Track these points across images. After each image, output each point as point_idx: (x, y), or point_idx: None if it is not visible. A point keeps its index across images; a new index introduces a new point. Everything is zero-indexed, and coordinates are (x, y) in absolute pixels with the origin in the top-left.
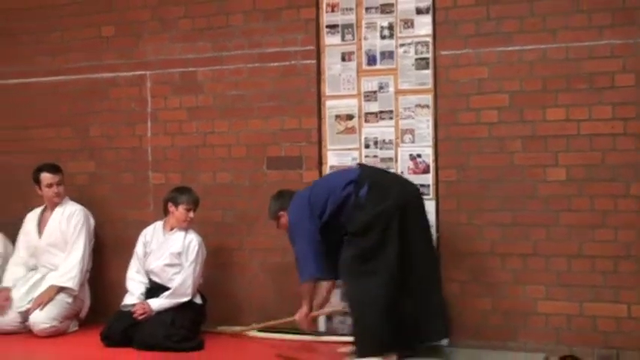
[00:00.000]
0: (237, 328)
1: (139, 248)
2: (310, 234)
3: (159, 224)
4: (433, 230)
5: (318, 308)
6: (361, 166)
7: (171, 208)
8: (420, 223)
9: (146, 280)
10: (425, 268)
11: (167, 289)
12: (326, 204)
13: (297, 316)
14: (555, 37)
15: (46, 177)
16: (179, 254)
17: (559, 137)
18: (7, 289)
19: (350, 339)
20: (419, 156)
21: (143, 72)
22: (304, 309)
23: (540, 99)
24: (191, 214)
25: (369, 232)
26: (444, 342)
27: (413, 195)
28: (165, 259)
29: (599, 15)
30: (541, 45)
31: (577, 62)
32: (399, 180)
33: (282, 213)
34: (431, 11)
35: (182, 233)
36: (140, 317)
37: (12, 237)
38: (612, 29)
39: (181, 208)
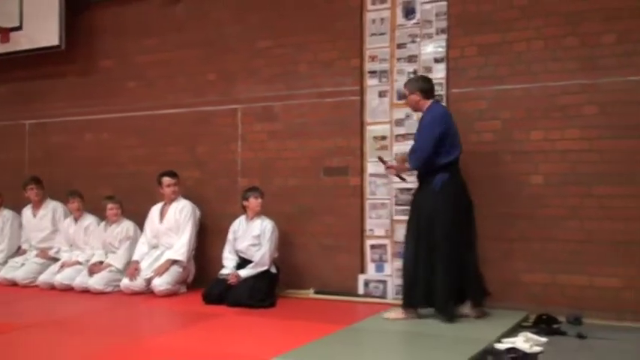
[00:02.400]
0: (300, 292)
1: (230, 235)
2: (435, 138)
3: (243, 217)
4: None
5: None
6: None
7: (245, 203)
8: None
9: (236, 258)
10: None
11: (252, 261)
12: (446, 140)
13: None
14: (537, 78)
15: (166, 180)
16: (258, 236)
17: (539, 152)
18: (137, 262)
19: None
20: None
21: (236, 106)
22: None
23: (525, 124)
24: (260, 201)
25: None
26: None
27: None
28: (249, 240)
29: (571, 62)
30: (526, 84)
31: (553, 97)
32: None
33: (417, 93)
34: (445, 60)
35: (259, 220)
36: (232, 283)
37: (140, 224)
38: (581, 72)
39: (252, 199)
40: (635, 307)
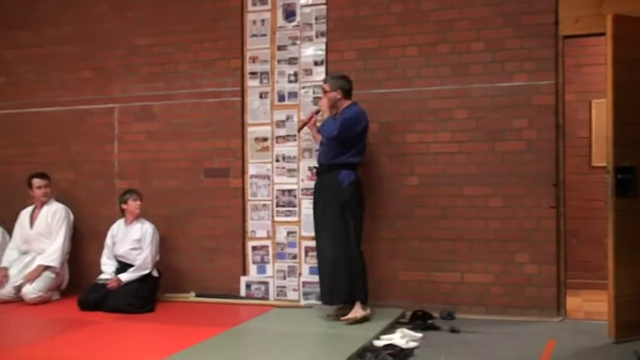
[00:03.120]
0: (180, 295)
1: (108, 240)
2: (345, 134)
3: (121, 221)
4: None
5: None
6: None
7: (124, 206)
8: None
9: (116, 263)
10: None
11: (132, 266)
12: (361, 141)
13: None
14: (412, 83)
15: (36, 182)
16: (139, 240)
17: (415, 154)
18: (5, 269)
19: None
20: (315, 167)
21: (112, 105)
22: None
23: (401, 127)
24: (139, 203)
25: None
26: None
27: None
28: (129, 244)
29: (443, 68)
30: (402, 89)
31: (427, 101)
32: None
33: (339, 91)
34: (324, 64)
35: (139, 224)
36: (113, 288)
37: (9, 229)
38: (452, 78)
39: (131, 202)
40: (503, 301)
